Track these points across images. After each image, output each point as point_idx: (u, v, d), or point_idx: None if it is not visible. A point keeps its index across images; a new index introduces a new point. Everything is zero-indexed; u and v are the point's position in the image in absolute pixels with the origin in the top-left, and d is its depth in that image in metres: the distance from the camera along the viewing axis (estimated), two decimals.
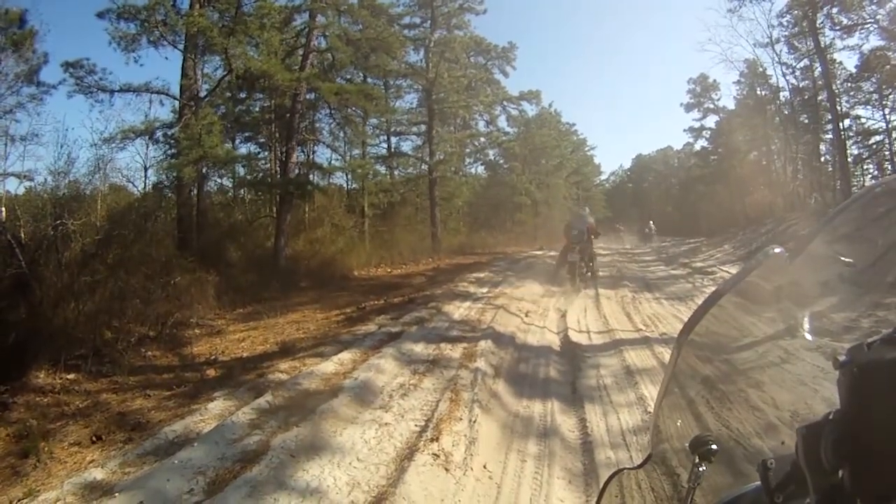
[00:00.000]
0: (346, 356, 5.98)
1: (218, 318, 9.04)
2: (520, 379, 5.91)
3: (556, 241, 29.97)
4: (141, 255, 8.90)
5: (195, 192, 13.92)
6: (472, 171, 32.19)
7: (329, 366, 5.61)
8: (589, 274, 12.93)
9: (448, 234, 24.08)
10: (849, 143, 23.10)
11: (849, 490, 0.62)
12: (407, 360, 5.87)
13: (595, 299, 10.94)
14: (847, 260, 1.03)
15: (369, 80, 20.80)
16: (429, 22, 22.68)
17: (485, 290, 10.86)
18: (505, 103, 33.24)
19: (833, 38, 21.93)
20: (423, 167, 22.79)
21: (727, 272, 13.76)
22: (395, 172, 23.42)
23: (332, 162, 19.57)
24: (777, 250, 0.99)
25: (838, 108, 22.57)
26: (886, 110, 21.78)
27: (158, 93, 13.51)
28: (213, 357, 6.58)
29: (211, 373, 5.93)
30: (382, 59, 19.47)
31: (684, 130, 34.39)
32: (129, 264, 8.27)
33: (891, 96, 21.51)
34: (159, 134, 13.45)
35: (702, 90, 32.09)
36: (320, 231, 17.74)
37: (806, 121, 24.47)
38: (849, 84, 22.56)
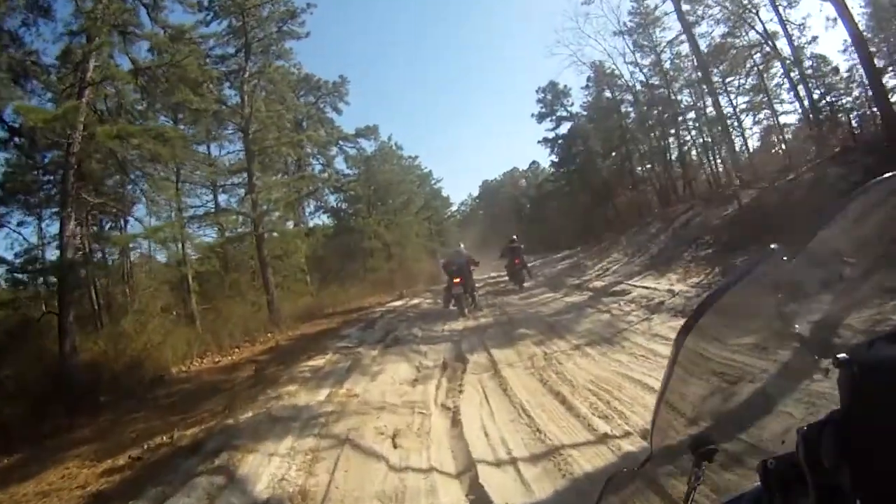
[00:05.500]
0: None
1: None
2: None
3: (416, 283, 28.13)
4: None
5: None
6: (316, 220, 29.61)
7: None
8: (473, 305, 14.00)
9: (291, 297, 20.71)
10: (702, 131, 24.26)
11: (849, 490, 0.62)
12: None
13: (494, 374, 7.49)
14: (847, 259, 1.03)
15: (182, 127, 17.43)
16: (243, 52, 19.15)
17: (325, 393, 7.28)
18: (341, 143, 31.20)
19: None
20: (248, 223, 19.11)
21: (648, 288, 11.29)
22: (227, 234, 19.54)
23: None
24: (776, 249, 0.98)
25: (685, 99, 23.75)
26: (731, 96, 22.28)
27: None
28: None
29: None
30: (185, 95, 16.10)
31: (538, 142, 33.15)
32: None
33: (734, 83, 22.06)
34: None
35: (553, 97, 31.05)
36: (125, 321, 14.02)
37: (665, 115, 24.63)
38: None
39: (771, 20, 19.23)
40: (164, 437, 6.66)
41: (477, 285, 15.25)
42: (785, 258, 0.97)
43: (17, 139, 13.12)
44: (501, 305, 14.81)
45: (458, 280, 13.80)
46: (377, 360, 9.23)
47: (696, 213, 17.28)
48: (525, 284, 17.98)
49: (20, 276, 13.84)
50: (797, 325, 1.08)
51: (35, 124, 11.47)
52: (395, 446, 5.33)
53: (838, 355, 0.65)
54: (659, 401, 1.03)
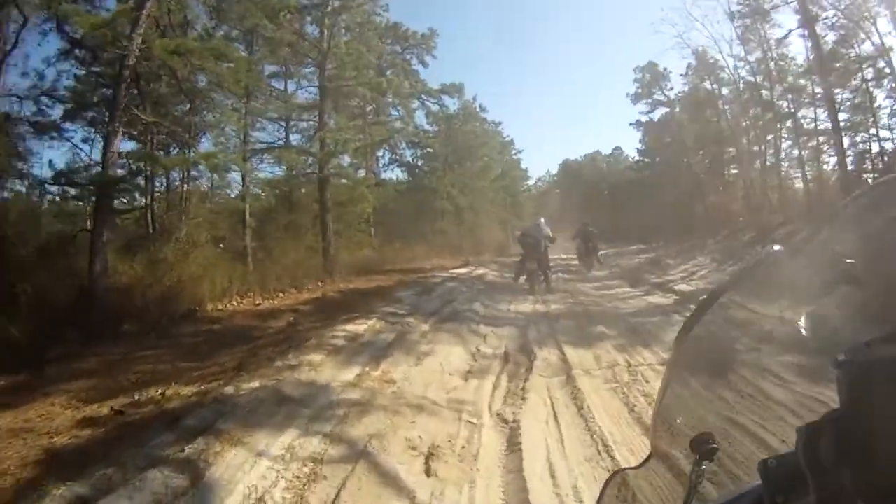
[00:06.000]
0: None
1: None
2: None
3: (484, 253, 26.83)
4: None
5: None
6: (390, 174, 28.54)
7: None
8: (545, 285, 13.16)
9: (351, 247, 19.47)
10: (788, 143, 22.10)
11: (849, 490, 0.61)
12: None
13: (567, 381, 5.86)
14: (847, 259, 1.02)
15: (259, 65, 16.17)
16: None
17: (354, 371, 5.81)
18: (423, 97, 29.99)
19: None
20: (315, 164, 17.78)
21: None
22: (291, 172, 18.36)
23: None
24: (777, 249, 0.98)
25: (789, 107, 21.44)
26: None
27: None
28: None
29: None
30: (260, 20, 14.86)
31: (630, 124, 31.42)
32: None
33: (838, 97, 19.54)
34: None
35: (651, 79, 28.69)
36: (167, 248, 13.04)
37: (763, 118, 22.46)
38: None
39: (889, 33, 17.18)
40: (159, 391, 5.53)
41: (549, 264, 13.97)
42: (785, 258, 0.98)
43: (77, 51, 12.12)
44: (574, 293, 13.11)
45: (533, 255, 13.22)
46: (427, 336, 7.70)
47: (798, 229, 14.98)
48: (597, 273, 17.09)
49: (61, 189, 12.90)
50: (797, 326, 1.02)
51: (84, 30, 10.36)
52: (427, 472, 3.82)
53: (837, 355, 0.63)
54: (659, 400, 1.02)
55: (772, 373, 1.10)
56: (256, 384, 5.15)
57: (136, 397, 5.43)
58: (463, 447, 4.19)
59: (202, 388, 5.45)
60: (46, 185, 12.27)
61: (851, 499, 0.60)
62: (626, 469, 1.14)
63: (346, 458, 3.87)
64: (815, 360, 1.02)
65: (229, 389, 5.05)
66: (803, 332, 1.02)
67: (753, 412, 1.08)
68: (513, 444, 4.29)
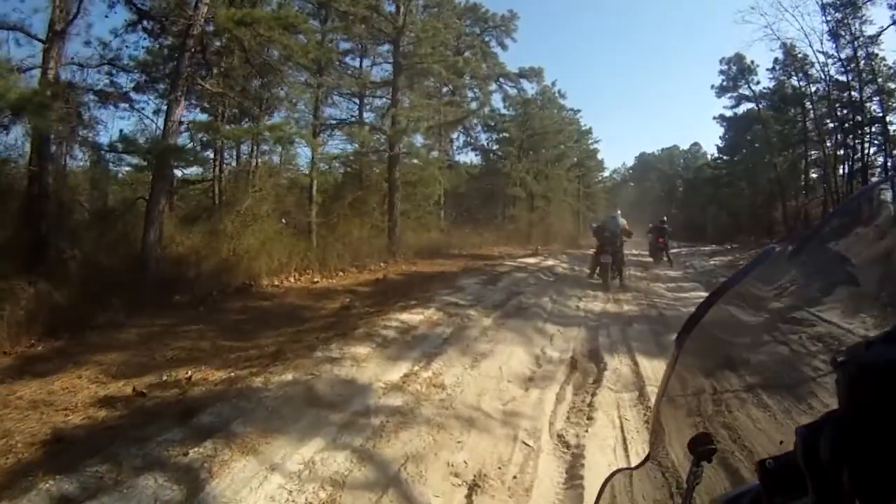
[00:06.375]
0: None
1: None
2: None
3: (554, 243, 25.97)
4: None
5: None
6: (464, 158, 28.82)
7: None
8: (619, 282, 12.76)
9: (418, 229, 19.14)
10: (873, 150, 21.51)
11: (848, 490, 0.61)
12: None
13: (640, 398, 5.04)
14: (847, 259, 1.03)
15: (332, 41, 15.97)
16: None
17: (402, 371, 5.17)
18: (501, 80, 29.37)
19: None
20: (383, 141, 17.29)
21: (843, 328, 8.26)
22: (361, 148, 17.97)
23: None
24: (777, 249, 0.97)
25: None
26: None
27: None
28: None
29: None
30: None
31: (714, 118, 30.54)
32: None
33: None
34: None
35: (737, 71, 27.10)
36: (228, 220, 12.77)
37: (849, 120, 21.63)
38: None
39: None
40: (188, 373, 5.14)
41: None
42: (785, 258, 0.98)
43: (146, 22, 11.88)
44: (648, 293, 12.13)
45: (608, 248, 12.60)
46: (488, 333, 6.95)
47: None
48: (670, 273, 16.45)
49: (117, 157, 12.74)
50: (796, 326, 1.05)
51: None
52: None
53: (837, 356, 0.62)
54: (658, 400, 1.02)
55: (771, 373, 1.12)
56: (290, 377, 4.55)
57: (164, 377, 5.07)
58: (515, 478, 3.44)
59: (232, 374, 4.94)
60: (107, 152, 11.99)
61: (850, 499, 0.59)
62: (624, 469, 1.14)
63: (373, 484, 3.18)
64: (815, 360, 1.01)
65: (258, 381, 4.46)
66: (803, 332, 1.03)
67: (752, 412, 1.03)
68: (573, 477, 3.52)
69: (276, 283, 10.99)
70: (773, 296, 1.06)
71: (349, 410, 4.04)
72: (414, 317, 7.10)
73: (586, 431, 4.24)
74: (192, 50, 10.42)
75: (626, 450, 3.99)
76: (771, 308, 1.09)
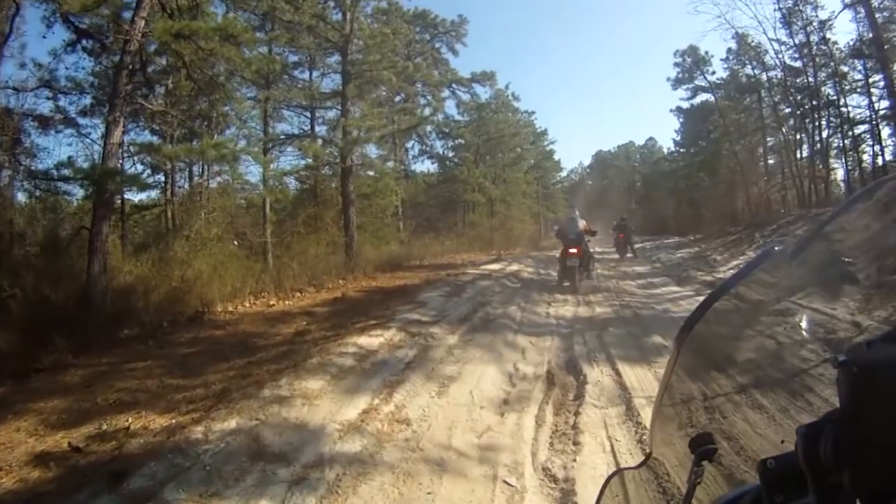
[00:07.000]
0: None
1: None
2: None
3: (516, 246, 25.81)
4: None
5: None
6: (420, 166, 29.41)
7: None
8: (586, 279, 12.81)
9: (377, 242, 18.78)
10: (829, 132, 22.19)
11: (849, 490, 0.61)
12: None
13: (628, 412, 4.67)
14: (847, 259, 1.05)
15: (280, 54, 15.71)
16: None
17: (360, 406, 4.61)
18: (454, 86, 29.28)
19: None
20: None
21: (821, 313, 7.85)
22: (311, 162, 17.46)
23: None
24: (777, 249, 0.97)
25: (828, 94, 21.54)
26: (873, 98, 20.19)
27: None
28: None
29: None
30: (277, 2, 13.97)
31: (671, 111, 30.92)
32: None
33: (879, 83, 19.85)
34: None
35: (692, 63, 27.36)
36: (177, 245, 12.10)
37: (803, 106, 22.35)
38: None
39: None
40: (128, 420, 4.66)
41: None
42: (785, 258, 0.97)
43: (84, 41, 11.22)
44: (619, 292, 11.94)
45: (573, 250, 12.28)
46: (454, 352, 6.47)
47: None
48: (639, 269, 16.74)
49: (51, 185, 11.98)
50: (797, 326, 1.03)
51: (75, 10, 9.44)
52: None
53: (837, 356, 0.62)
54: (658, 400, 1.01)
55: (771, 373, 1.11)
56: (233, 424, 4.01)
57: (104, 426, 4.58)
58: None
59: (173, 420, 4.45)
60: (42, 180, 11.29)
61: (850, 499, 0.59)
62: (625, 469, 1.12)
63: None
64: (815, 359, 1.01)
65: (198, 431, 3.93)
66: (803, 332, 1.02)
67: (752, 412, 1.04)
68: None
69: (231, 308, 10.42)
70: (774, 295, 1.04)
71: (300, 463, 3.52)
72: (373, 340, 6.56)
73: (574, 461, 3.83)
74: (130, 67, 9.76)
75: (623, 483, 3.54)
76: (771, 307, 1.06)
